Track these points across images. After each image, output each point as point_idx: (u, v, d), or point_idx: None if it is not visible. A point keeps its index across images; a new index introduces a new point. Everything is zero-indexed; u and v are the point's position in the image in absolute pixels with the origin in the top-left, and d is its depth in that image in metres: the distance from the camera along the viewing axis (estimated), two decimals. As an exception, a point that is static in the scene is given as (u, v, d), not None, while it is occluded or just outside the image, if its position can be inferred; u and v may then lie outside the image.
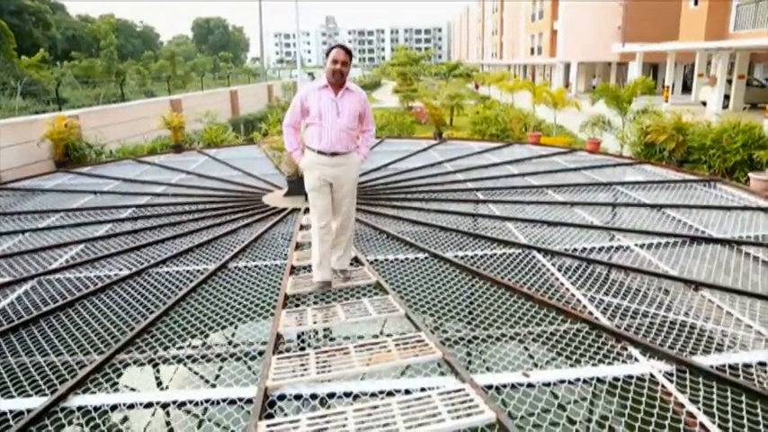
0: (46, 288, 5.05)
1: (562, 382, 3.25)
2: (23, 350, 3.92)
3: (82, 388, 3.32)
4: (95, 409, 3.11)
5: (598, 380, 3.26)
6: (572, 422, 3.12)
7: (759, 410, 2.93)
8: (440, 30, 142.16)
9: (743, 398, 3.03)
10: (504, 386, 3.20)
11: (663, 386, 3.16)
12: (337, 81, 4.05)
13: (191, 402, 3.19)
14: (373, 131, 4.51)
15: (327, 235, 4.34)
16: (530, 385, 3.22)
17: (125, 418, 3.34)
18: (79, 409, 3.13)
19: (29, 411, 3.07)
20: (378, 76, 69.17)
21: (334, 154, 4.12)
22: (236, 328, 4.45)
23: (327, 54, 4.08)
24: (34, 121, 11.79)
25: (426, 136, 14.59)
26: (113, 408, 3.13)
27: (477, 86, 44.37)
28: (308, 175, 4.27)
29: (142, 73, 34.77)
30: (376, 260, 5.37)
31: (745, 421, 2.85)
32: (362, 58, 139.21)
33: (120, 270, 5.41)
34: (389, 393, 3.12)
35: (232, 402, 3.17)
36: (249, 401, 3.10)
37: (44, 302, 4.74)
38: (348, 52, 4.07)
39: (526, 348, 3.93)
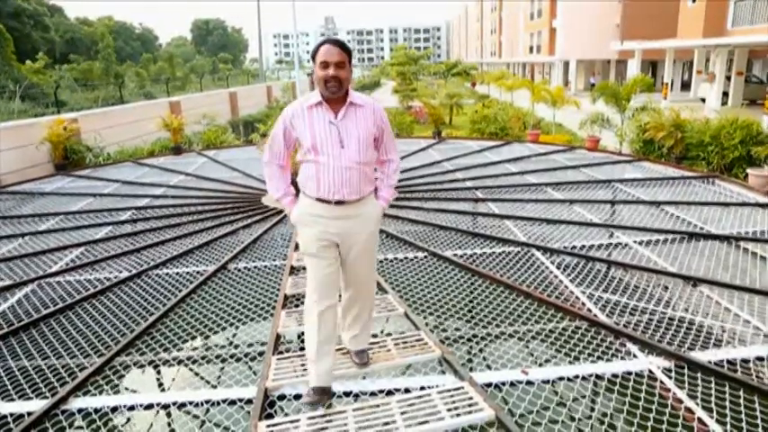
0: (46, 291, 5.06)
1: (561, 379, 3.26)
2: (24, 353, 3.94)
3: (82, 390, 3.34)
4: (96, 411, 3.13)
5: (597, 376, 3.27)
6: (572, 419, 3.14)
7: (757, 405, 2.95)
8: (438, 29, 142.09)
9: (741, 393, 3.04)
10: (504, 384, 3.22)
11: (661, 382, 3.18)
12: (334, 94, 2.73)
13: (191, 403, 3.20)
14: (398, 163, 3.10)
15: (332, 318, 2.96)
16: (529, 382, 3.24)
17: (126, 420, 3.36)
18: (80, 411, 3.15)
19: (29, 414, 3.08)
20: (377, 76, 69.13)
21: (340, 202, 2.82)
22: (236, 329, 4.46)
23: (314, 56, 2.75)
24: (33, 125, 11.79)
25: (425, 135, 14.59)
26: (114, 410, 3.15)
27: (473, 84, 44.46)
28: (303, 232, 2.93)
29: (141, 75, 34.80)
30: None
31: (742, 416, 2.86)
32: (362, 58, 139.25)
33: (120, 272, 5.42)
34: (389, 392, 3.14)
35: (232, 403, 3.19)
36: (249, 402, 3.12)
37: (44, 305, 4.75)
38: (343, 47, 2.73)
39: (526, 346, 3.94)
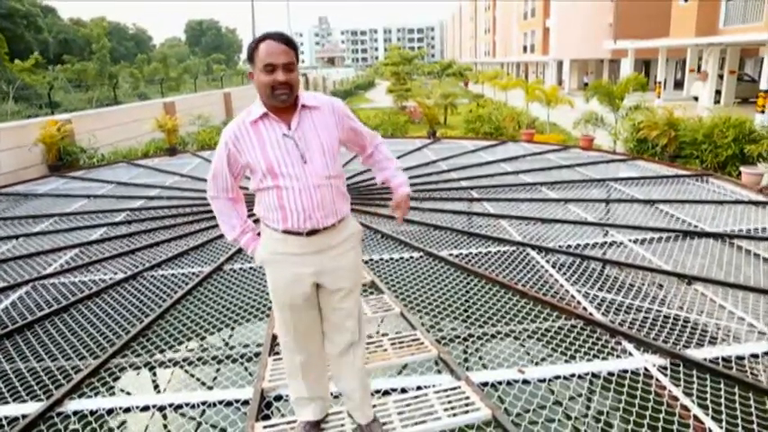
0: (40, 293, 5.04)
1: (557, 377, 3.27)
2: (18, 356, 3.91)
3: (78, 392, 3.33)
4: (92, 413, 3.12)
5: (593, 375, 3.29)
6: (568, 417, 3.15)
7: (752, 402, 2.96)
8: (432, 29, 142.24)
9: (736, 389, 3.06)
10: (500, 383, 3.23)
11: (657, 380, 3.19)
12: (284, 103, 2.23)
13: (187, 405, 3.20)
14: (382, 141, 2.64)
15: (320, 358, 2.59)
16: (525, 382, 3.24)
17: (122, 422, 3.34)
18: (75, 413, 3.13)
19: (24, 417, 3.07)
20: (371, 76, 69.13)
21: (313, 232, 2.32)
22: (232, 329, 4.45)
23: (251, 56, 2.22)
24: (27, 126, 11.73)
25: (420, 135, 14.60)
26: (110, 412, 3.14)
27: (466, 84, 44.63)
28: (272, 275, 2.42)
29: (135, 76, 34.64)
30: (371, 260, 5.38)
31: (738, 413, 2.88)
32: (356, 58, 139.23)
33: (115, 274, 5.40)
34: (386, 392, 3.14)
35: (229, 404, 3.18)
36: (246, 403, 3.11)
37: (39, 307, 4.73)
38: (289, 43, 2.21)
39: (522, 345, 3.95)
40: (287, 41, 2.20)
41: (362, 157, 2.62)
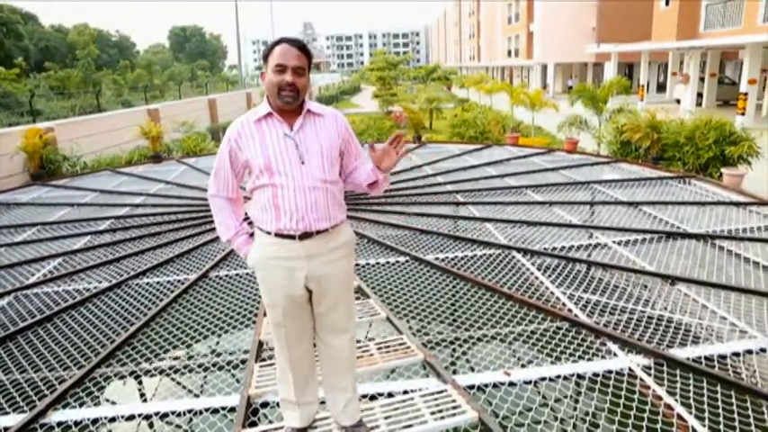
0: (23, 303, 4.97)
1: (543, 379, 3.29)
2: (0, 367, 3.86)
3: (62, 403, 3.29)
4: (76, 423, 3.08)
5: (579, 376, 3.31)
6: (554, 418, 3.17)
7: (733, 399, 3.01)
8: (417, 34, 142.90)
9: (718, 388, 3.10)
10: (487, 386, 3.24)
11: (641, 379, 3.23)
12: (289, 105, 2.27)
13: (174, 413, 3.17)
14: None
15: (309, 356, 2.61)
16: (512, 384, 3.27)
17: (107, 432, 3.31)
18: (59, 424, 3.09)
19: (6, 429, 3.02)
20: (357, 81, 69.28)
21: (306, 235, 2.33)
22: (218, 337, 4.43)
23: (266, 57, 2.30)
24: (7, 134, 11.59)
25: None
26: (95, 422, 3.10)
27: (449, 88, 45.03)
28: (264, 280, 2.43)
29: (119, 83, 34.42)
30: (357, 264, 5.38)
31: (720, 410, 2.92)
32: (341, 64, 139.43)
33: (100, 282, 5.35)
34: (372, 397, 3.14)
35: (215, 411, 3.16)
36: (233, 410, 3.10)
37: (22, 318, 4.67)
38: (304, 50, 2.29)
39: (508, 348, 3.97)
40: (301, 47, 2.28)
41: (346, 172, 2.51)
